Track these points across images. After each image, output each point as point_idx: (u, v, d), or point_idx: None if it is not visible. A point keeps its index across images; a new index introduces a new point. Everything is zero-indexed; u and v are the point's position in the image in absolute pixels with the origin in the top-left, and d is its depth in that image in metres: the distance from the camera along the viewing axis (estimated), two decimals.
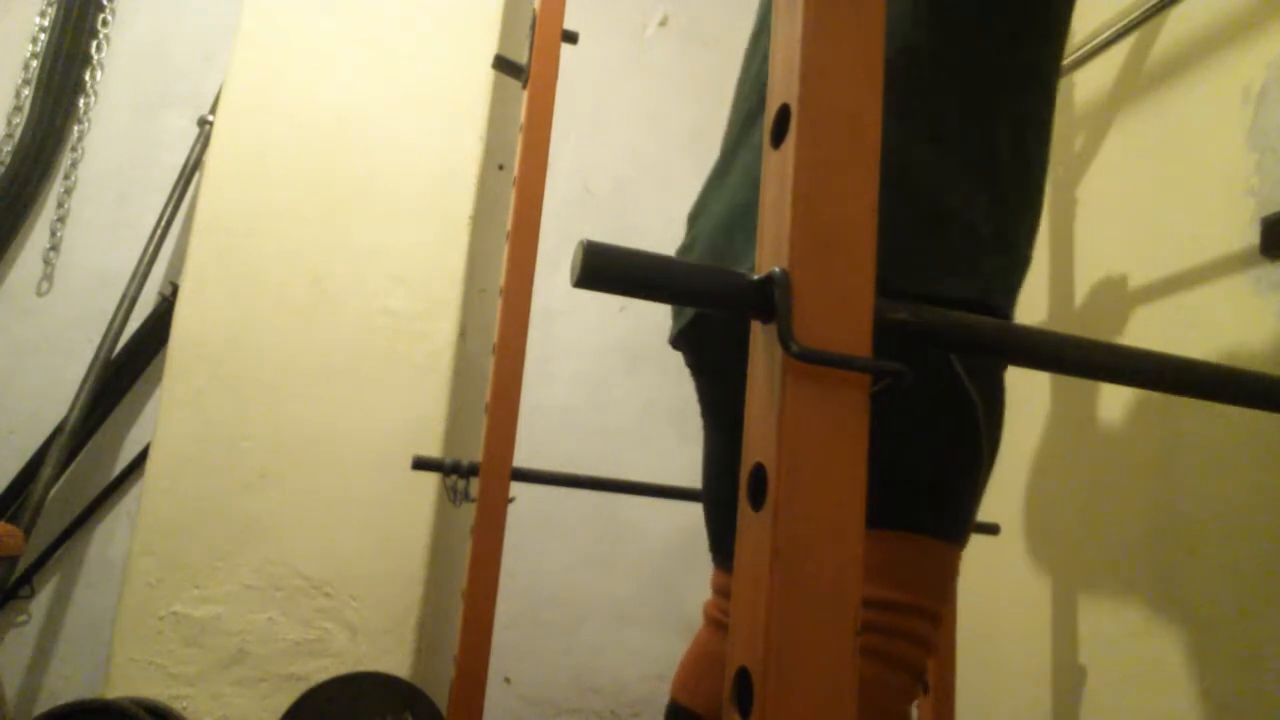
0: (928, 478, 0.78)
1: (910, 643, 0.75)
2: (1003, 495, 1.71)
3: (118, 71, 2.17)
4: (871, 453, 0.74)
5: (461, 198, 2.02)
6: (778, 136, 0.46)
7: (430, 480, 1.85)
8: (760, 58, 0.99)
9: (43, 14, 2.12)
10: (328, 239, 1.93)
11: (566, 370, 2.18)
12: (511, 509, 1.33)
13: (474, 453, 1.44)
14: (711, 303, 0.46)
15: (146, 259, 2.00)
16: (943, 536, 0.77)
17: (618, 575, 2.11)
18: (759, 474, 0.43)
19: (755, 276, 0.45)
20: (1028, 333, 0.56)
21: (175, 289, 1.93)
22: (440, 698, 1.58)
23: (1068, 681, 1.51)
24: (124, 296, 1.97)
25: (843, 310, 0.44)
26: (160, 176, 2.10)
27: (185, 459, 1.79)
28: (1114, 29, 1.45)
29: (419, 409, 1.91)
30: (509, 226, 1.41)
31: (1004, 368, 0.81)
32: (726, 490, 0.95)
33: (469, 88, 2.06)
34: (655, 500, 2.05)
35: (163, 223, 2.03)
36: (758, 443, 0.44)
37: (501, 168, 2.18)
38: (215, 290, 1.87)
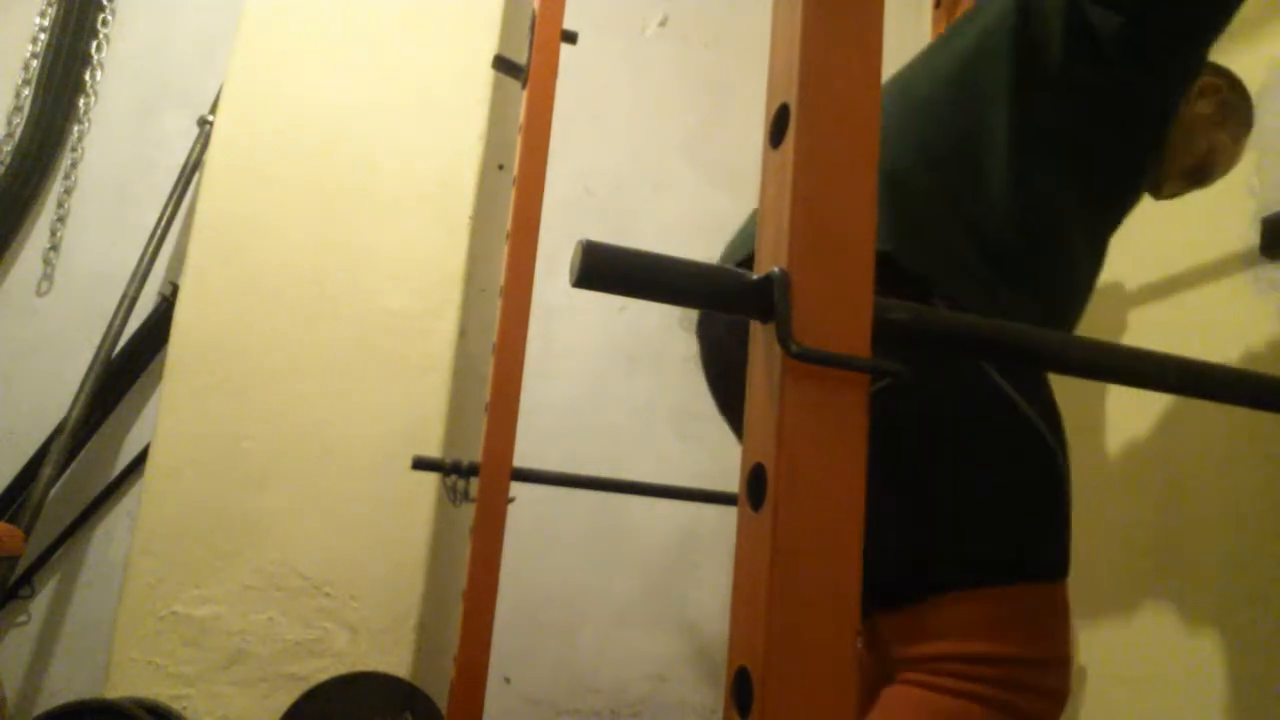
0: (1016, 523, 0.77)
1: (1035, 695, 0.74)
2: None
3: (118, 71, 2.17)
4: (954, 508, 0.75)
5: (461, 198, 2.02)
6: (777, 136, 0.46)
7: (430, 480, 1.85)
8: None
9: (43, 14, 2.12)
10: (328, 239, 1.93)
11: (566, 370, 2.18)
12: (511, 509, 1.33)
13: (474, 453, 1.44)
14: (711, 303, 0.46)
15: (146, 259, 2.00)
16: (1044, 579, 0.77)
17: (618, 575, 2.11)
18: (758, 474, 0.43)
19: (755, 276, 0.45)
20: (1029, 333, 0.56)
21: (175, 289, 1.93)
22: (440, 698, 1.58)
23: None
24: (124, 296, 1.97)
25: (842, 310, 0.44)
26: (160, 177, 2.10)
27: (185, 459, 1.79)
28: None
29: (419, 409, 1.91)
30: (509, 226, 1.41)
31: (1045, 378, 0.82)
32: None
33: (469, 87, 2.06)
34: (655, 500, 2.05)
35: (163, 223, 2.02)
36: (757, 443, 0.44)
37: (501, 168, 2.18)
38: (215, 290, 1.87)
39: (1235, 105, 1.07)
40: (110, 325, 1.95)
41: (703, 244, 2.21)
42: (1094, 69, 0.84)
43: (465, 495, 1.38)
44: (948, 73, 0.88)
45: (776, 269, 0.44)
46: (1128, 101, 0.86)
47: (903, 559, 0.80)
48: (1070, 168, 0.85)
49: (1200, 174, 1.09)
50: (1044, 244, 0.83)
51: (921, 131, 0.85)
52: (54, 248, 2.07)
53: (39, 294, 2.06)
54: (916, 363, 0.65)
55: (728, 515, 2.02)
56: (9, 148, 2.05)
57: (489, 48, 2.03)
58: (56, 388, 1.97)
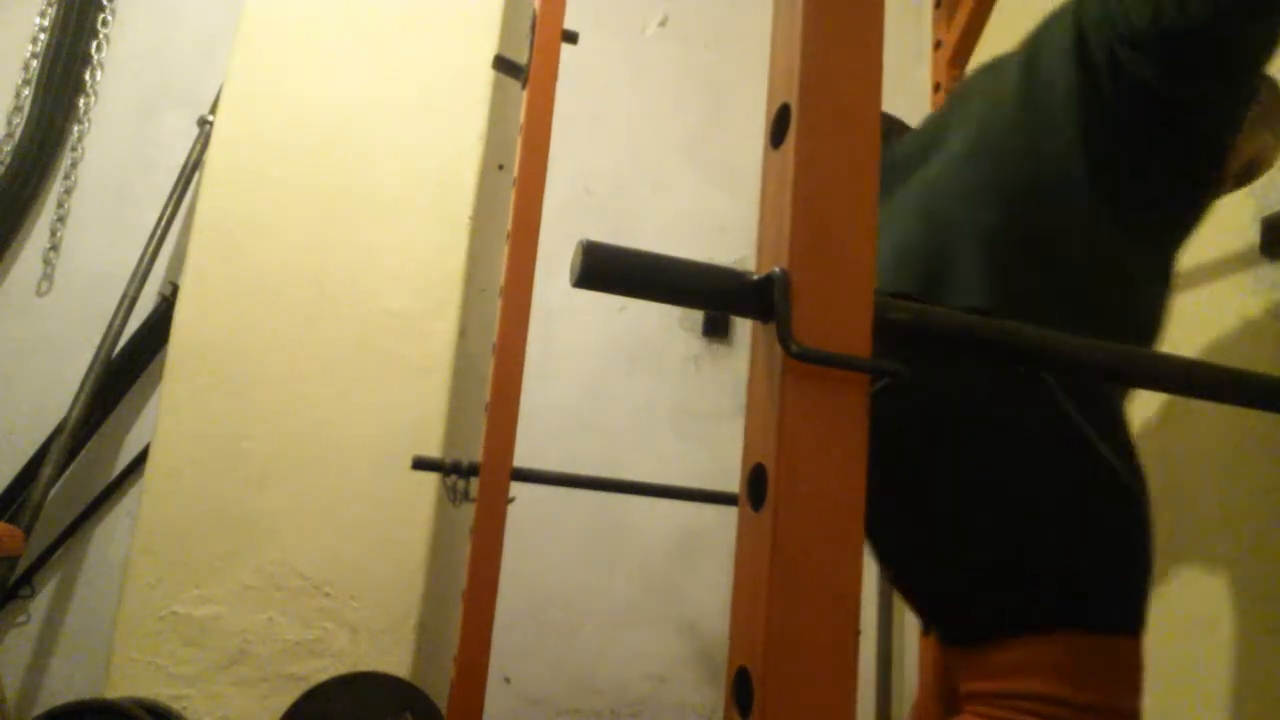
0: (1088, 570, 0.76)
1: None
2: None
3: (118, 71, 2.17)
4: (1023, 552, 0.76)
5: (461, 198, 2.02)
6: (777, 136, 0.46)
7: (430, 480, 1.85)
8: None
9: (43, 14, 2.12)
10: (328, 239, 1.93)
11: (566, 370, 2.18)
12: (511, 509, 1.33)
13: (474, 453, 1.44)
14: (711, 303, 0.46)
15: (146, 259, 2.00)
16: (1114, 631, 0.75)
17: (618, 575, 2.11)
18: (759, 474, 0.43)
19: (755, 276, 0.45)
20: (1029, 333, 0.56)
21: (175, 289, 1.93)
22: (440, 698, 1.58)
23: None
24: (124, 296, 1.97)
25: (842, 310, 0.44)
26: (160, 177, 2.10)
27: (185, 459, 1.79)
28: None
29: (419, 409, 1.91)
30: (509, 226, 1.41)
31: (1122, 411, 0.83)
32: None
33: (469, 88, 2.06)
34: (655, 500, 2.05)
35: (163, 223, 2.03)
36: (758, 443, 0.44)
37: (501, 168, 2.18)
38: (215, 290, 1.87)
39: (1274, 105, 1.08)
40: (110, 325, 1.95)
41: (703, 244, 2.22)
42: (1147, 109, 0.87)
43: (465, 495, 1.38)
44: (1020, 124, 0.91)
45: (776, 269, 0.44)
46: (1184, 135, 0.89)
47: (951, 597, 0.81)
48: (1139, 200, 0.88)
49: (1246, 176, 1.10)
50: (1120, 277, 0.87)
51: (999, 182, 0.88)
52: (54, 248, 2.07)
53: (39, 294, 2.06)
54: (969, 370, 0.72)
55: (728, 515, 2.02)
56: (9, 148, 2.05)
57: (489, 48, 2.03)
58: (56, 388, 1.97)
